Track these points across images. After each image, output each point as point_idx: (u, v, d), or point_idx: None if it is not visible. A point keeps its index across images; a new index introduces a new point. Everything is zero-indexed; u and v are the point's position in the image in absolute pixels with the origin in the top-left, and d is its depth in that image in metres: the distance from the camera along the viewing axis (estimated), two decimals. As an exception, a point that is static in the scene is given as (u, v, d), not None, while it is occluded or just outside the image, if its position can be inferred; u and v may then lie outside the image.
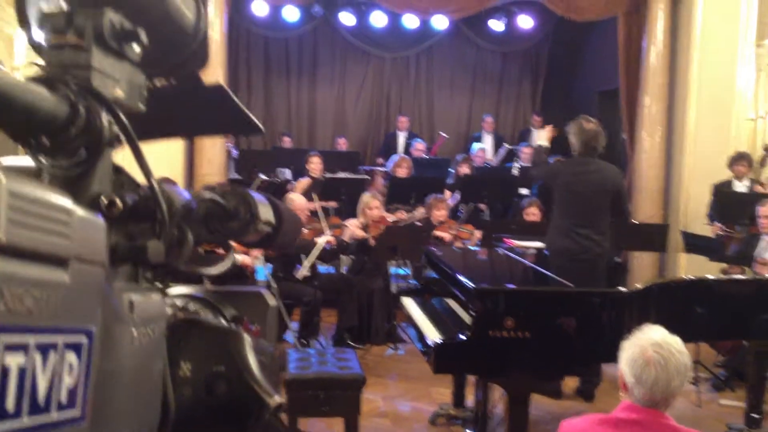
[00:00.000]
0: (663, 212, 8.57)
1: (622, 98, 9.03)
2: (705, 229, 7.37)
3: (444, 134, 11.68)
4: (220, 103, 0.93)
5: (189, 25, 0.81)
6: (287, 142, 11.27)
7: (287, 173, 9.78)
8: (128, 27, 0.72)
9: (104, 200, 0.71)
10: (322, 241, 6.22)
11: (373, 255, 6.53)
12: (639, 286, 3.74)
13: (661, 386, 2.16)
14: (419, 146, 10.39)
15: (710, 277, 4.28)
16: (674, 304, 3.89)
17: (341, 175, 8.86)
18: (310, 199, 7.40)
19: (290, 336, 6.03)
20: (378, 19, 11.51)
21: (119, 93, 0.74)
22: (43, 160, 0.70)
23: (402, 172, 8.50)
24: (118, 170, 0.76)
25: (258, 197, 0.81)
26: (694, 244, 6.59)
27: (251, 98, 12.42)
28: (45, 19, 0.71)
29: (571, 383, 5.44)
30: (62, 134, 0.67)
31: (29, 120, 0.63)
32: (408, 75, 12.83)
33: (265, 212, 0.82)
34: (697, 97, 8.32)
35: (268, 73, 12.47)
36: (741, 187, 7.48)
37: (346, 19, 11.65)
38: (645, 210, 8.32)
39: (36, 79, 0.66)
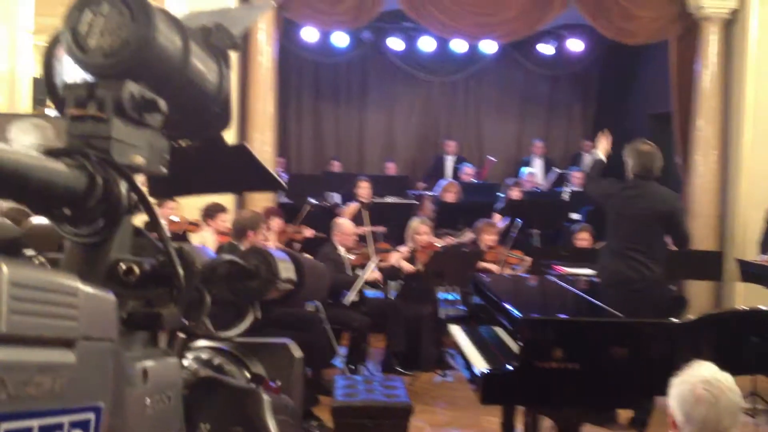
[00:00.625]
0: (718, 238, 8.37)
1: (674, 121, 8.89)
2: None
3: (492, 158, 11.63)
4: (244, 162, 0.94)
5: (211, 88, 0.82)
6: (336, 166, 11.36)
7: (336, 197, 9.85)
8: (148, 97, 0.74)
9: (122, 267, 0.72)
10: (366, 274, 6.24)
11: (421, 281, 6.51)
12: (691, 316, 3.66)
13: (712, 425, 2.10)
14: (468, 170, 10.36)
15: (765, 307, 4.15)
16: (728, 336, 3.78)
17: (389, 199, 8.88)
18: (359, 223, 7.44)
19: (339, 361, 6.03)
20: (426, 44, 11.56)
21: (139, 160, 0.76)
22: (65, 229, 0.72)
23: (450, 197, 8.48)
24: (139, 233, 0.78)
25: (279, 255, 0.82)
26: (751, 272, 6.41)
27: (301, 123, 12.56)
28: (68, 91, 0.73)
29: (624, 412, 5.33)
30: (81, 205, 0.69)
31: (47, 195, 0.65)
32: (456, 99, 12.84)
33: (286, 270, 0.82)
34: (752, 119, 8.15)
35: (317, 97, 12.62)
36: (797, 212, 7.26)
37: (395, 44, 11.74)
38: (699, 236, 8.14)
39: (55, 152, 0.68)
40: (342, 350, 6.15)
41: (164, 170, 0.80)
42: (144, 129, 0.76)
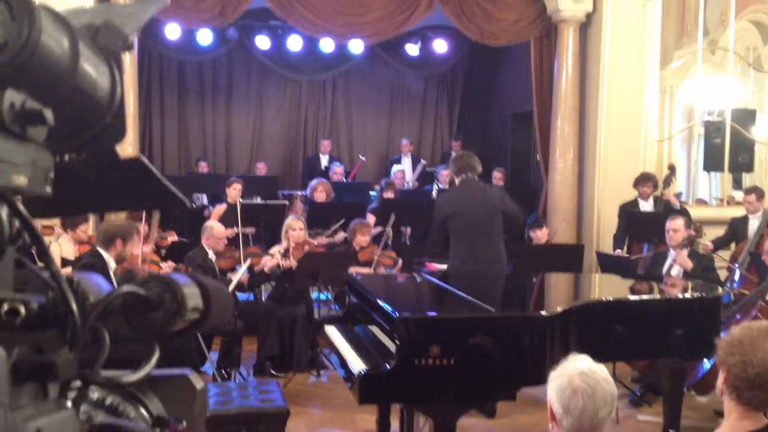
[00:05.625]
0: (575, 232, 8.77)
1: (535, 121, 9.24)
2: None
3: (362, 157, 11.69)
4: (139, 177, 0.85)
5: (103, 96, 0.73)
6: (203, 167, 11.07)
7: (203, 199, 9.60)
8: (32, 107, 0.65)
9: (4, 308, 0.63)
10: (236, 279, 6.08)
11: (294, 281, 6.43)
12: (559, 308, 3.78)
13: (589, 415, 2.17)
14: (338, 170, 10.36)
15: (630, 297, 4.39)
16: (594, 326, 3.95)
17: (259, 200, 8.73)
18: (227, 226, 7.25)
19: (209, 367, 5.86)
20: (294, 43, 11.48)
21: (21, 180, 0.66)
22: None
23: (320, 197, 8.43)
24: (20, 264, 0.68)
25: (183, 280, 0.74)
26: (608, 264, 6.76)
27: (165, 122, 12.17)
28: None
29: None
30: None
31: None
32: (325, 98, 12.83)
33: (192, 297, 0.74)
34: (606, 119, 8.59)
35: (182, 96, 12.26)
36: (646, 206, 7.73)
37: (262, 42, 11.58)
38: (559, 231, 8.49)
39: None
40: (213, 355, 5.98)
41: (48, 190, 0.70)
42: (26, 144, 0.66)
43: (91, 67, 0.71)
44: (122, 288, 0.70)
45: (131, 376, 0.69)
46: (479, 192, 5.59)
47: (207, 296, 0.76)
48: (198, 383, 0.85)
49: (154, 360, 0.71)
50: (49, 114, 0.66)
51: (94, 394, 0.75)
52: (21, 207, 0.63)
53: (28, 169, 0.67)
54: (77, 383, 0.67)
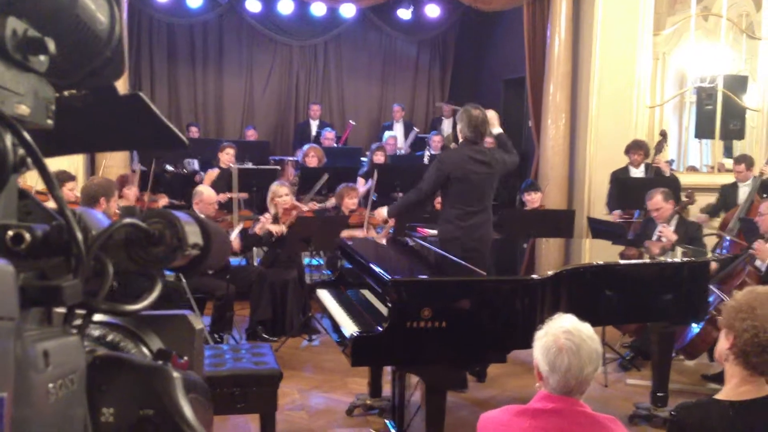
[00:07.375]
0: (566, 198, 8.81)
1: (527, 86, 9.22)
2: (606, 215, 7.63)
3: (352, 122, 11.65)
4: (138, 114, 0.84)
5: (102, 29, 0.73)
6: (194, 132, 11.02)
7: (195, 164, 9.57)
8: (34, 36, 0.65)
9: (9, 234, 0.63)
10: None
11: (286, 246, 6.45)
12: (550, 272, 3.81)
13: (575, 373, 2.21)
14: (329, 135, 10.34)
15: (620, 261, 4.42)
16: (584, 289, 3.98)
17: (250, 165, 8.72)
18: (219, 190, 7.26)
19: (202, 331, 5.89)
20: (285, 7, 11.35)
21: (23, 110, 0.66)
22: None
23: (312, 162, 8.43)
24: (24, 195, 0.69)
25: (184, 217, 0.75)
26: (599, 229, 6.79)
27: (155, 87, 12.08)
28: None
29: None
30: None
31: None
32: (316, 63, 12.74)
33: (193, 234, 0.75)
34: (598, 85, 8.59)
35: (172, 60, 12.14)
36: (637, 173, 7.75)
37: (252, 6, 11.45)
38: (551, 196, 8.54)
39: None
40: (205, 320, 6.02)
41: (50, 123, 0.70)
42: (28, 74, 0.66)
43: (90, 0, 0.71)
44: (125, 219, 0.71)
45: (135, 306, 0.70)
46: (487, 157, 5.43)
47: (207, 234, 0.77)
48: (197, 324, 0.86)
49: (157, 291, 0.72)
50: (51, 43, 0.66)
51: (95, 331, 0.76)
52: (26, 134, 0.63)
53: (30, 99, 0.67)
54: (79, 317, 0.68)
